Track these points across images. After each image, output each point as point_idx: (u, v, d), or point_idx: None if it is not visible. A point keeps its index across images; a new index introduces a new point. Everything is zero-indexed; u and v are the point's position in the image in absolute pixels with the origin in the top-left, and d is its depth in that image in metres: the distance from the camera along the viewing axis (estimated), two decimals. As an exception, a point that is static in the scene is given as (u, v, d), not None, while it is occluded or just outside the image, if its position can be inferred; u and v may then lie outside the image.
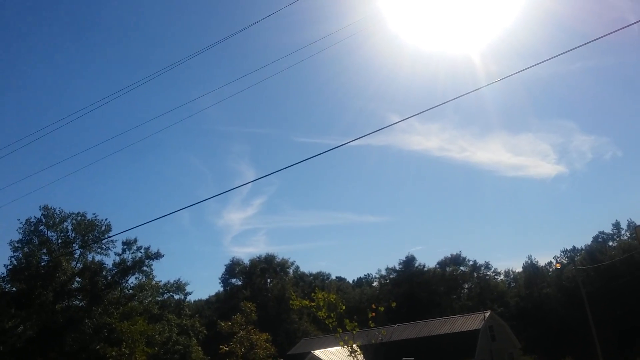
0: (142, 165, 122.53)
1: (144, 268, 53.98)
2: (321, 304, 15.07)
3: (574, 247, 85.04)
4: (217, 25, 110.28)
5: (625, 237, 77.73)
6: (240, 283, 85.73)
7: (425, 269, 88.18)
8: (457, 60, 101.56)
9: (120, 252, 53.45)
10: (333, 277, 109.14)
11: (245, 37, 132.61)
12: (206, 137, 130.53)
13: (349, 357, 15.33)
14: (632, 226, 73.34)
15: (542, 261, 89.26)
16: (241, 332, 37.27)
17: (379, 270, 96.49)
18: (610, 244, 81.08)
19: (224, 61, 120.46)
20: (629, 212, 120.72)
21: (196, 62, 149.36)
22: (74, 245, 52.36)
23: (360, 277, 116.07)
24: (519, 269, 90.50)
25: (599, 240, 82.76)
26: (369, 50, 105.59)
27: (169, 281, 56.72)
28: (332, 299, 15.37)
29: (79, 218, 51.88)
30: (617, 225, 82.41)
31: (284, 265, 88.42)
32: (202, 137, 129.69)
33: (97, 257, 53.04)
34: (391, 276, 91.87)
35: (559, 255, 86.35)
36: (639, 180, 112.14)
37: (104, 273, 52.70)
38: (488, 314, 49.41)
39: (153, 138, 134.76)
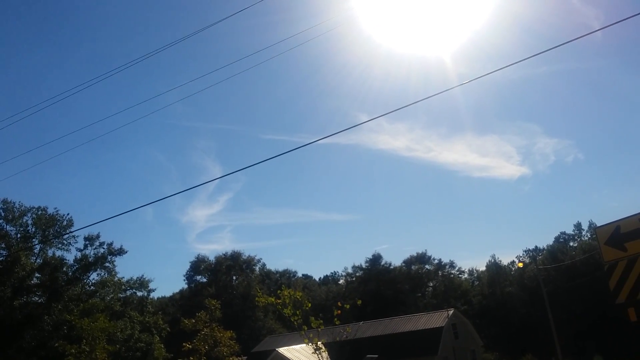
0: (105, 160, 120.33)
1: (106, 264, 53.12)
2: (287, 301, 14.95)
3: (536, 246, 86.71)
4: (187, 19, 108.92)
5: (586, 238, 79.52)
6: (205, 280, 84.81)
7: (391, 267, 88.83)
8: (428, 62, 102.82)
9: (81, 248, 52.57)
10: (300, 274, 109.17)
11: (215, 34, 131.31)
12: (171, 132, 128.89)
13: (313, 354, 15.24)
14: (592, 227, 75.03)
15: (505, 260, 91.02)
16: (205, 329, 36.81)
17: (346, 268, 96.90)
18: (572, 244, 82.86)
19: (192, 57, 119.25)
20: (590, 214, 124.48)
21: (163, 57, 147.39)
22: (33, 240, 51.15)
23: (326, 275, 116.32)
24: (483, 268, 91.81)
25: (561, 240, 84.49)
26: (342, 51, 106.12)
27: (132, 278, 55.88)
28: (298, 297, 15.27)
29: (40, 212, 50.66)
30: (578, 226, 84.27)
31: (250, 262, 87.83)
32: (167, 133, 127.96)
33: (58, 253, 51.98)
34: (357, 274, 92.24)
35: (521, 255, 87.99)
36: (600, 183, 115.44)
37: (64, 269, 51.61)
38: (451, 312, 49.95)
39: (117, 132, 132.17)
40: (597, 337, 59.92)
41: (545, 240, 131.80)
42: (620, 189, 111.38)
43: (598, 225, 11.12)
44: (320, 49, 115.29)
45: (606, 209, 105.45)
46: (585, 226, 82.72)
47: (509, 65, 12.39)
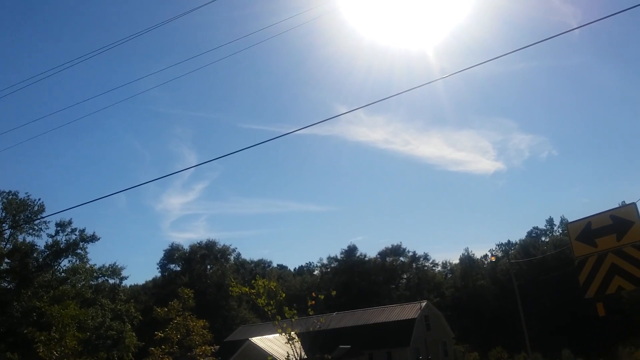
0: (78, 146, 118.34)
1: (78, 251, 52.46)
2: (261, 291, 14.89)
3: (509, 241, 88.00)
4: (167, 5, 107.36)
5: (558, 233, 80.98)
6: (179, 269, 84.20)
7: (366, 258, 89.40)
8: (411, 55, 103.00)
9: (53, 234, 51.81)
10: (275, 265, 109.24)
11: (196, 23, 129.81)
12: (147, 118, 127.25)
13: (286, 344, 15.23)
14: (564, 223, 76.37)
15: (478, 254, 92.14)
16: (177, 318, 36.56)
17: (321, 259, 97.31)
18: (543, 239, 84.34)
19: (171, 44, 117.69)
20: (562, 209, 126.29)
21: (141, 43, 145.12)
22: (3, 225, 50.23)
23: (301, 266, 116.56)
24: (456, 261, 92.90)
25: (533, 235, 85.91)
26: (325, 43, 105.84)
27: (104, 265, 55.30)
28: (272, 287, 15.21)
29: (10, 197, 49.73)
30: (550, 221, 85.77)
31: (225, 252, 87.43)
32: (143, 119, 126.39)
33: (29, 239, 51.18)
34: (332, 265, 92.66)
35: (494, 249, 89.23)
36: (572, 179, 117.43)
37: (35, 255, 50.82)
38: (424, 303, 50.48)
39: (91, 117, 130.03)
40: (567, 331, 61.16)
41: (517, 234, 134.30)
42: (591, 186, 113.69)
43: (570, 221, 11.26)
44: (303, 41, 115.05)
45: (578, 205, 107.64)
46: (557, 222, 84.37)
47: (485, 62, 12.41)
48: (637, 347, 48.65)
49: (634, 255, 9.40)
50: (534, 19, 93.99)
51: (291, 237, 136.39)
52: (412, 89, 13.28)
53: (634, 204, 9.89)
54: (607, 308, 9.93)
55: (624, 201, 40.96)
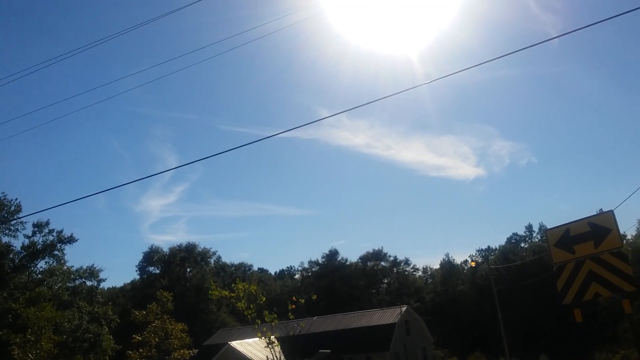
0: (57, 145, 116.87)
1: (55, 252, 51.64)
2: (241, 294, 14.79)
3: (488, 246, 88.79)
4: (149, 5, 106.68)
5: (537, 240, 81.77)
6: (158, 272, 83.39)
7: (348, 263, 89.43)
8: (395, 60, 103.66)
9: (30, 235, 50.91)
10: (255, 268, 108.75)
11: (179, 26, 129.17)
12: (127, 119, 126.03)
13: (266, 348, 15.14)
14: (543, 229, 77.15)
15: (458, 259, 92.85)
16: (156, 321, 36.29)
17: (302, 263, 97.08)
18: (523, 245, 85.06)
19: (153, 45, 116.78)
20: (541, 216, 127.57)
21: (122, 43, 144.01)
22: (-22, 225, 49.25)
23: (282, 270, 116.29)
24: (437, 266, 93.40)
25: (512, 241, 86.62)
26: (310, 47, 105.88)
27: (81, 267, 54.48)
28: (252, 290, 15.12)
29: (-14, 197, 48.77)
30: (529, 227, 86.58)
31: (205, 255, 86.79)
32: (122, 119, 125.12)
33: (5, 239, 50.13)
34: (313, 269, 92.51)
35: (474, 254, 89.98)
36: (551, 186, 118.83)
37: (11, 256, 49.88)
38: (404, 308, 50.58)
39: (70, 117, 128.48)
40: (545, 336, 61.79)
41: (497, 240, 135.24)
42: (570, 193, 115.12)
43: (548, 227, 11.37)
44: (288, 44, 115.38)
45: (557, 212, 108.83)
46: (536, 228, 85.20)
47: (465, 70, 12.52)
48: (613, 353, 49.27)
49: (611, 262, 9.52)
50: (516, 27, 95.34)
51: (272, 240, 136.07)
52: (394, 94, 13.33)
53: (611, 211, 10.02)
54: (584, 314, 10.04)
55: (601, 209, 41.59)
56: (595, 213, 11.50)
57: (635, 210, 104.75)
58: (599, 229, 9.78)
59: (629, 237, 59.17)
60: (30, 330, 33.98)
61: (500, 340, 43.93)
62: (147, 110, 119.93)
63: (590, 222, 9.98)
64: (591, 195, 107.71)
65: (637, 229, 54.84)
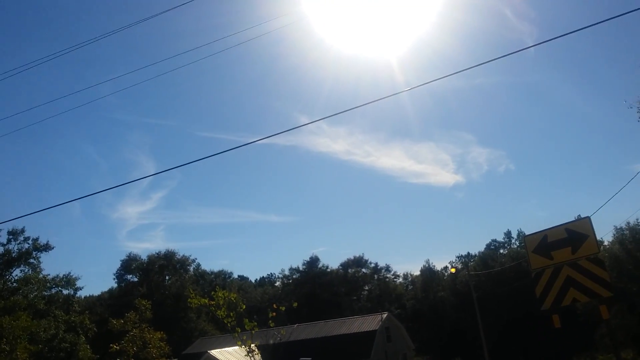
0: (32, 152, 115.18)
1: (31, 260, 50.87)
2: (221, 302, 14.62)
3: (468, 253, 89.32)
4: (128, 11, 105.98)
5: (515, 246, 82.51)
6: (136, 280, 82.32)
7: (328, 270, 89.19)
8: (376, 67, 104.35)
9: (4, 243, 50.15)
10: (235, 276, 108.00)
11: (158, 33, 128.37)
12: (103, 125, 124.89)
13: (246, 357, 14.99)
14: (521, 235, 78.00)
15: (438, 265, 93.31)
16: (134, 330, 35.81)
17: (282, 270, 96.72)
18: (502, 251, 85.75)
19: (129, 50, 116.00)
20: (520, 222, 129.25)
21: (98, 48, 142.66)
22: (-48, 233, 48.33)
23: (263, 277, 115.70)
24: (417, 273, 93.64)
25: (491, 247, 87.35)
26: (291, 54, 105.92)
27: (57, 275, 53.75)
28: (232, 298, 14.96)
29: (-41, 204, 47.96)
30: (508, 234, 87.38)
31: (184, 262, 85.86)
32: (98, 125, 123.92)
33: (-22, 247, 49.28)
34: (294, 276, 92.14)
35: (454, 261, 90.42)
36: (529, 193, 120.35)
37: (-15, 264, 48.98)
38: (385, 315, 50.60)
39: (45, 123, 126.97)
40: (524, 342, 62.21)
41: (477, 246, 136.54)
42: (548, 199, 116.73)
43: (527, 233, 11.47)
44: (268, 51, 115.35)
45: (534, 218, 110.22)
46: (514, 234, 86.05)
47: (444, 77, 12.61)
48: (592, 358, 49.86)
49: (588, 268, 9.61)
50: (493, 35, 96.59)
51: (252, 247, 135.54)
52: (373, 101, 13.36)
53: (588, 217, 10.12)
54: (562, 320, 10.11)
55: (579, 215, 42.07)
56: (573, 219, 11.61)
57: (611, 217, 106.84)
58: (576, 235, 9.87)
59: (605, 243, 59.94)
60: (5, 339, 33.33)
61: (480, 346, 44.17)
62: (124, 117, 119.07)
63: (567, 228, 10.08)
64: (568, 202, 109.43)
65: (614, 235, 55.65)
